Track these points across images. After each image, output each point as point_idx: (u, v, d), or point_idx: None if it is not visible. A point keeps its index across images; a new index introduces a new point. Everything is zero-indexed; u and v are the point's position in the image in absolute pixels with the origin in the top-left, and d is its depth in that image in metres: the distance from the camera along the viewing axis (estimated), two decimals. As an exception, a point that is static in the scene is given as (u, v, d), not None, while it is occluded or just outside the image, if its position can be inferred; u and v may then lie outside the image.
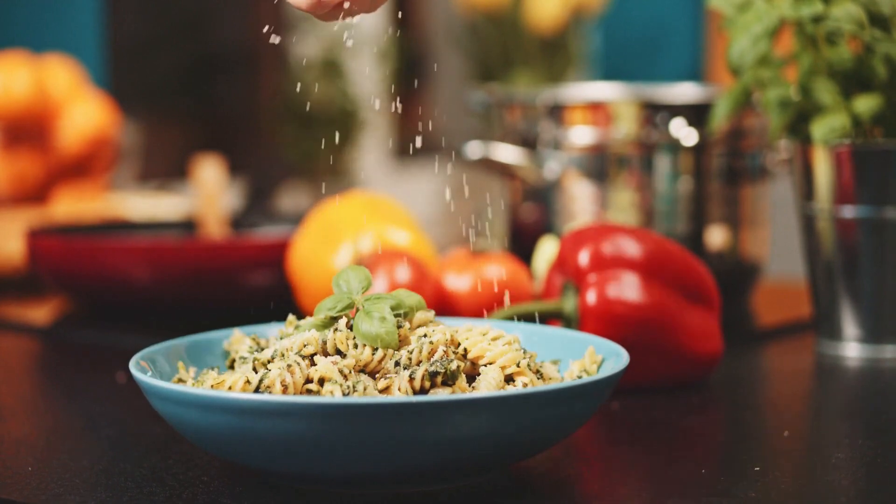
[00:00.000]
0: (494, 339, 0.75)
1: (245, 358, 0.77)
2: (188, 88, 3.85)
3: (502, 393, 0.65)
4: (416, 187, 4.04)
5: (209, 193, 1.43)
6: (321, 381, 0.70)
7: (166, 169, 3.21)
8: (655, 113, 1.21)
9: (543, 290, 0.99)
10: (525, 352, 0.75)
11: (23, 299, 1.39)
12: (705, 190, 1.23)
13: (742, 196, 1.25)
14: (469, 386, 0.72)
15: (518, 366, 0.73)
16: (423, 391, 0.70)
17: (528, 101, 1.26)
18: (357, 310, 0.74)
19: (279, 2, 3.93)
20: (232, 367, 0.80)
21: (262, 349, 0.77)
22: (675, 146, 1.22)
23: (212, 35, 3.95)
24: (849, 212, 1.04)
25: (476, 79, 3.69)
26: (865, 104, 1.01)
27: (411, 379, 0.70)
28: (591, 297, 0.93)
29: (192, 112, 3.86)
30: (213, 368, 0.80)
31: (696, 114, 1.22)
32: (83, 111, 1.71)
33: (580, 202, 1.23)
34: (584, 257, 0.94)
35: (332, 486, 0.69)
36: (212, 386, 0.72)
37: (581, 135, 1.22)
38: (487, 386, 0.71)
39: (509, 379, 0.73)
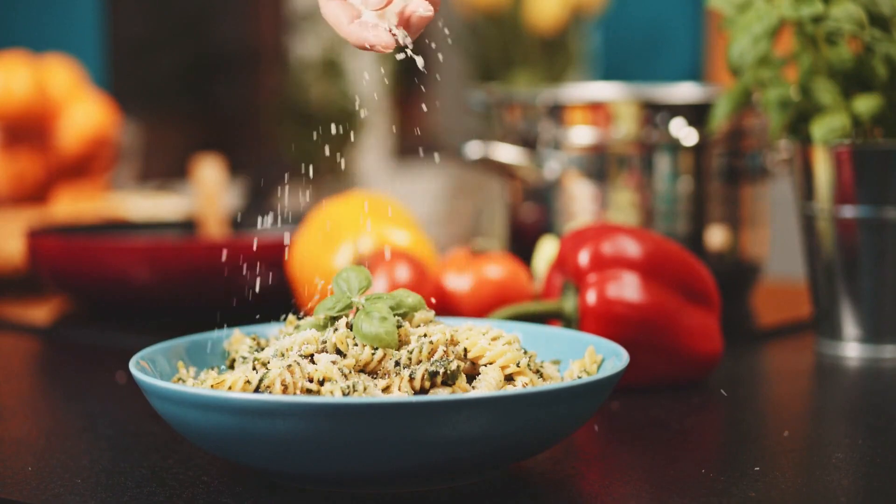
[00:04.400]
0: (494, 338, 0.75)
1: (245, 358, 0.77)
2: (188, 88, 3.85)
3: (502, 393, 0.65)
4: (416, 187, 4.04)
5: (209, 193, 1.43)
6: (321, 381, 0.70)
7: (166, 169, 3.21)
8: (655, 113, 1.21)
9: (543, 290, 0.99)
10: (525, 352, 0.76)
11: (23, 299, 1.39)
12: (705, 190, 1.23)
13: (742, 196, 1.25)
14: (469, 386, 0.72)
15: (518, 366, 0.73)
16: (423, 391, 0.70)
17: (528, 101, 1.26)
18: (357, 310, 0.74)
19: (278, 2, 3.93)
20: (232, 367, 0.80)
21: (262, 349, 0.77)
22: (675, 146, 1.22)
23: (212, 35, 3.95)
24: (849, 212, 1.04)
25: (476, 79, 3.69)
26: (865, 104, 1.01)
27: (411, 379, 0.70)
28: (591, 297, 0.93)
29: (192, 112, 3.86)
30: (213, 368, 0.80)
31: (696, 114, 1.22)
32: (83, 111, 1.71)
33: (580, 202, 1.23)
34: (584, 257, 0.94)
35: (332, 486, 0.69)
36: (212, 386, 0.72)
37: (581, 135, 1.22)
38: (487, 386, 0.71)
39: (509, 379, 0.73)
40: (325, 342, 0.73)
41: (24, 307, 1.34)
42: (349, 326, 0.74)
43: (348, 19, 0.74)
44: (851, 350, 1.05)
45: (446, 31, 0.78)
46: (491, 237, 3.37)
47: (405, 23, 0.75)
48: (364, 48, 0.74)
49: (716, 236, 1.24)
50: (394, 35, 0.74)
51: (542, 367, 0.76)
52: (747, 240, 1.26)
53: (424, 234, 1.16)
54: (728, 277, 1.21)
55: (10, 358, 1.16)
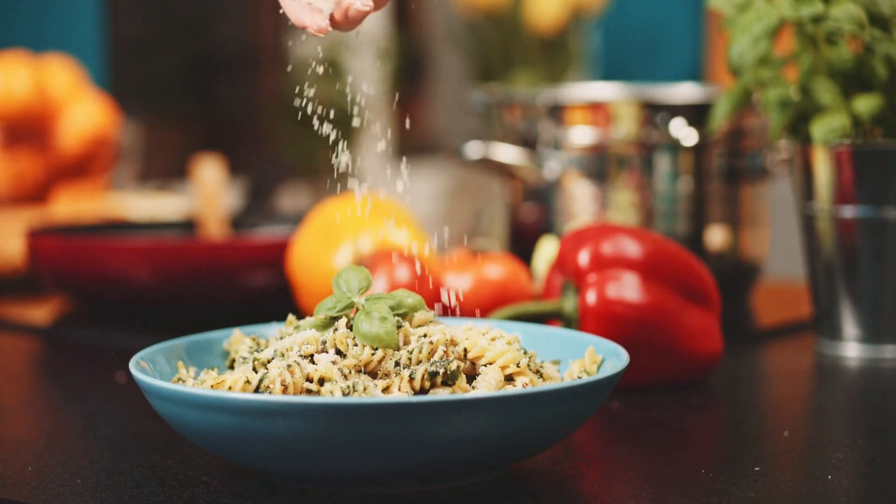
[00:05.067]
0: (494, 339, 0.75)
1: (245, 358, 0.77)
2: (188, 88, 3.85)
3: (502, 393, 0.65)
4: (416, 187, 4.04)
5: (209, 193, 1.43)
6: (321, 381, 0.70)
7: (166, 169, 3.21)
8: (655, 113, 1.21)
9: (543, 290, 0.99)
10: (525, 352, 0.75)
11: (23, 299, 1.39)
12: (705, 190, 1.23)
13: (742, 196, 1.25)
14: (469, 386, 0.72)
15: (518, 366, 0.73)
16: (423, 391, 0.70)
17: (528, 101, 1.26)
18: (357, 310, 0.74)
19: (278, 2, 3.93)
20: (232, 367, 0.80)
21: (262, 349, 0.77)
22: (675, 146, 1.22)
23: (212, 35, 3.95)
24: (849, 212, 1.04)
25: (476, 79, 3.69)
26: (865, 104, 1.01)
27: (411, 379, 0.70)
28: (591, 297, 0.93)
29: (192, 112, 3.86)
30: (213, 368, 0.80)
31: (696, 114, 1.22)
32: (83, 111, 1.71)
33: (580, 202, 1.23)
34: (584, 257, 0.94)
35: (332, 486, 0.69)
36: (212, 386, 0.72)
37: (581, 135, 1.22)
38: (487, 386, 0.71)
39: (509, 379, 0.73)
40: (325, 342, 0.73)
41: (24, 307, 1.34)
42: (349, 326, 0.74)
43: None
44: (851, 350, 1.05)
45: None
46: (491, 237, 3.37)
47: (343, 14, 0.76)
48: (300, 27, 0.76)
49: (716, 236, 1.24)
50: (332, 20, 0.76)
51: (542, 367, 0.76)
52: (747, 240, 1.26)
53: (424, 234, 1.16)
54: (728, 277, 1.21)
55: (10, 358, 1.16)
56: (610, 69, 3.88)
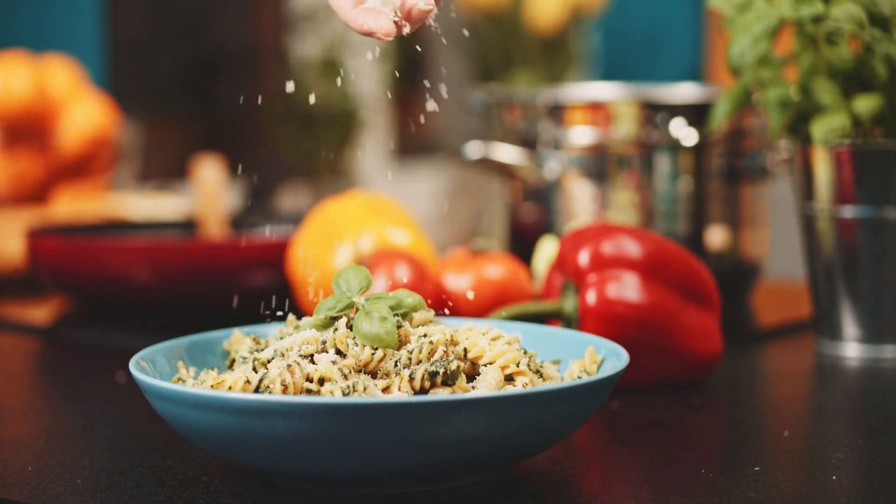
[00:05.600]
0: (494, 339, 0.75)
1: (245, 358, 0.77)
2: (188, 88, 3.85)
3: (502, 393, 0.65)
4: (416, 187, 4.04)
5: (209, 193, 1.43)
6: (321, 381, 0.70)
7: (166, 169, 3.21)
8: (655, 113, 1.21)
9: (543, 290, 0.99)
10: (525, 352, 0.76)
11: (23, 299, 1.39)
12: (705, 190, 1.23)
13: (742, 196, 1.25)
14: (469, 386, 0.72)
15: (518, 366, 0.73)
16: (423, 391, 0.70)
17: (528, 101, 1.26)
18: (357, 310, 0.75)
19: (278, 2, 3.93)
20: (232, 367, 0.80)
21: (262, 349, 0.77)
22: (675, 146, 1.22)
23: (212, 35, 3.95)
24: (849, 212, 1.04)
25: (476, 79, 3.69)
26: (865, 104, 1.01)
27: (411, 379, 0.70)
28: (591, 297, 0.93)
29: (192, 112, 3.86)
30: (213, 368, 0.80)
31: (696, 114, 1.22)
32: (83, 111, 1.71)
33: (580, 202, 1.23)
34: (584, 257, 0.94)
35: (332, 486, 0.69)
36: (212, 386, 0.72)
37: (581, 135, 1.22)
38: (487, 386, 0.71)
39: (509, 379, 0.73)
40: (325, 342, 0.73)
41: (24, 307, 1.34)
42: (349, 326, 0.74)
43: (351, 4, 0.75)
44: (851, 350, 1.05)
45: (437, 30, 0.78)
46: (491, 237, 3.37)
47: (406, 14, 0.75)
48: (365, 34, 0.74)
49: (716, 236, 1.24)
50: (396, 22, 0.74)
51: (542, 367, 0.76)
52: (747, 240, 1.26)
53: (424, 234, 1.16)
54: (728, 277, 1.21)
55: (10, 358, 1.16)
56: (610, 69, 3.88)
